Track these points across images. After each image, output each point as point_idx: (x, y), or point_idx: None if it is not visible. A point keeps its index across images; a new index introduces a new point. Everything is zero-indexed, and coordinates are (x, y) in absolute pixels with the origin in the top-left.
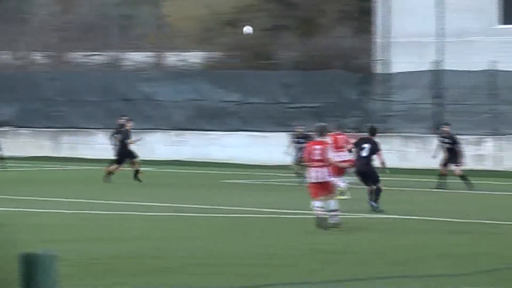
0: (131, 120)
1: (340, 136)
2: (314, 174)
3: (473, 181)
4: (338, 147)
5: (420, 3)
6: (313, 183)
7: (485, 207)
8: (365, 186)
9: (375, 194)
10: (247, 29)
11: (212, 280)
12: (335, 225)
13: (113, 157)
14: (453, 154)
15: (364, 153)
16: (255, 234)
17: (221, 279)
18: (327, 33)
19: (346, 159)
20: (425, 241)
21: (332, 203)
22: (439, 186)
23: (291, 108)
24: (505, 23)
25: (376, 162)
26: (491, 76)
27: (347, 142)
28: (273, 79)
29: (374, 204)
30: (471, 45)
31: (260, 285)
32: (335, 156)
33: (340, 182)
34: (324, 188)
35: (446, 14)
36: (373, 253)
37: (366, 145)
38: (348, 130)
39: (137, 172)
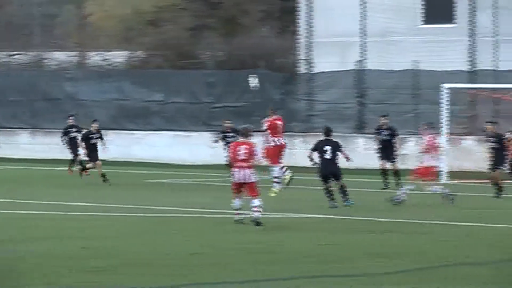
0: (96, 121)
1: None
2: (237, 175)
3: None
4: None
5: (343, 3)
6: (236, 183)
7: (411, 206)
8: (324, 187)
9: (343, 193)
10: (253, 82)
11: (140, 279)
12: (255, 221)
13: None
14: (499, 155)
15: (328, 156)
16: (182, 233)
17: (149, 278)
18: (250, 32)
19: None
20: (353, 240)
21: (256, 201)
22: (497, 195)
23: (215, 107)
24: (428, 23)
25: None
26: (414, 75)
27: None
28: (196, 78)
29: (350, 201)
30: (394, 45)
31: (184, 284)
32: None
33: (279, 173)
34: (246, 189)
35: (369, 14)
36: (300, 253)
37: (327, 147)
38: None
39: (103, 175)
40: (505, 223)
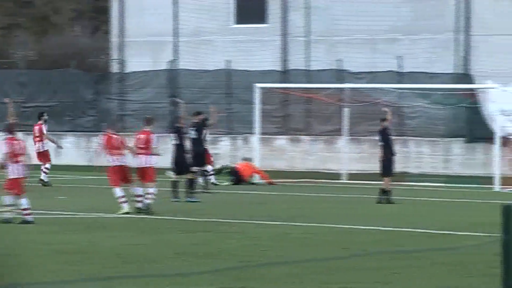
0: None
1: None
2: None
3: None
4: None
5: (156, 2)
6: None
7: (223, 206)
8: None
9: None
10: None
11: None
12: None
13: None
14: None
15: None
16: None
17: None
18: (62, 31)
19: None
20: (164, 240)
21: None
22: None
23: (26, 107)
24: (240, 22)
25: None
26: (227, 75)
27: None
28: (8, 78)
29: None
30: (206, 45)
31: None
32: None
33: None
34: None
35: (182, 14)
36: (112, 252)
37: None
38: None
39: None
40: (316, 222)
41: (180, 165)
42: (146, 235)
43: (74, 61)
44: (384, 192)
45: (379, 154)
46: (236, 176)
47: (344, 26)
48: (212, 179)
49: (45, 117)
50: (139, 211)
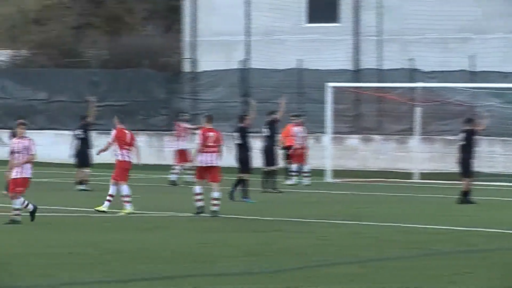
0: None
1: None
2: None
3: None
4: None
5: (228, 2)
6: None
7: (294, 205)
8: None
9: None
10: None
11: (16, 278)
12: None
13: None
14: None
15: None
16: (61, 232)
17: (25, 277)
18: (135, 31)
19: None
20: (231, 239)
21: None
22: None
23: (99, 106)
24: (312, 22)
25: None
26: (298, 74)
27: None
28: (81, 77)
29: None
30: (278, 44)
31: (61, 283)
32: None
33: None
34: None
35: (254, 13)
36: (180, 251)
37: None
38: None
39: None
40: (386, 221)
41: (242, 164)
42: (213, 234)
43: (146, 61)
44: (465, 193)
45: (458, 154)
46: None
47: (415, 25)
48: (305, 180)
49: (185, 116)
50: (214, 214)
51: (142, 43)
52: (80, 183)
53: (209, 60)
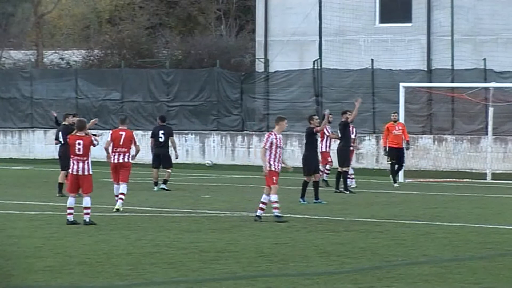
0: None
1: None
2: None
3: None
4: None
5: (300, 2)
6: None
7: (367, 205)
8: None
9: None
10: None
11: (94, 279)
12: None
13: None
14: None
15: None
16: (137, 232)
17: (104, 277)
18: (208, 31)
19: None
20: (305, 239)
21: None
22: None
23: (172, 106)
24: (384, 22)
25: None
26: (371, 74)
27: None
28: (154, 77)
29: None
30: (351, 44)
31: (138, 284)
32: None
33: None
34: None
35: (326, 13)
36: (256, 251)
37: None
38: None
39: None
40: (459, 222)
41: (309, 166)
42: (288, 234)
43: (219, 61)
44: None
45: None
46: None
47: (488, 25)
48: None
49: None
50: (277, 220)
51: (215, 43)
52: (164, 182)
53: (281, 60)
